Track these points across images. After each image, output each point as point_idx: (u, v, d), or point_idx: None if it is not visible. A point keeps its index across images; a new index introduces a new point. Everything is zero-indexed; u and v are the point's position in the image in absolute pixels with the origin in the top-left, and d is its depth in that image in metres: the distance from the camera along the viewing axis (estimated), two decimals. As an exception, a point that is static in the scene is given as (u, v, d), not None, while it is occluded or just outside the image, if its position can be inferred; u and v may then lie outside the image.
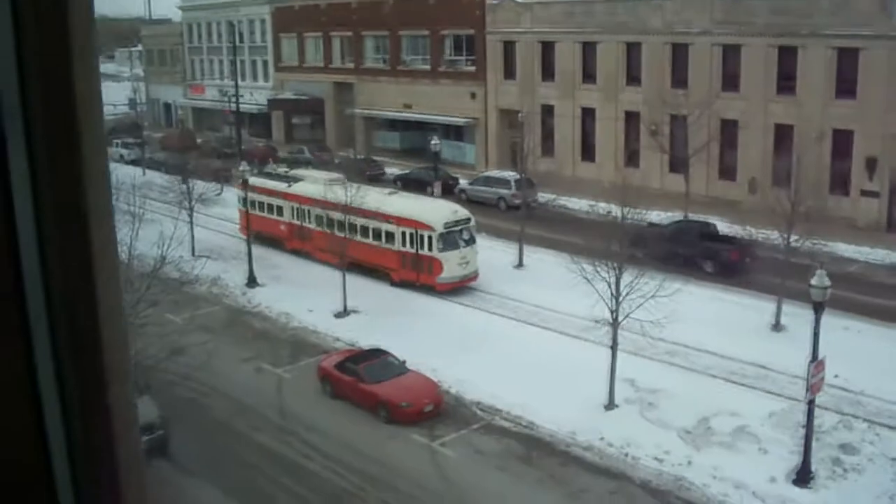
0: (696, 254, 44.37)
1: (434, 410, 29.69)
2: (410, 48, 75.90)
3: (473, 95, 70.60)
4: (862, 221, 52.37)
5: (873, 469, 25.89)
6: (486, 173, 63.24)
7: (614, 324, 29.90)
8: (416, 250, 42.06)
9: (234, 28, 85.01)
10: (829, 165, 52.02)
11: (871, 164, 52.04)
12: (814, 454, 25.25)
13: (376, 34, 77.92)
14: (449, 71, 72.43)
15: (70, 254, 1.74)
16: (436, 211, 43.61)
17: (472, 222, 43.33)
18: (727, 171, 58.53)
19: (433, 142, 53.74)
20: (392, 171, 67.62)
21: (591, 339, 33.20)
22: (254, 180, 49.18)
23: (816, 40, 52.73)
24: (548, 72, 66.80)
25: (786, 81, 55.08)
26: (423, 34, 73.58)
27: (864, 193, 52.66)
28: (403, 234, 42.50)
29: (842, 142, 53.12)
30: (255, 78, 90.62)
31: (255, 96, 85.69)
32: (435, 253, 41.46)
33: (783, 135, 54.92)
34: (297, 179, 49.78)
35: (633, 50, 61.96)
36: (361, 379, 30.39)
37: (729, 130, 57.85)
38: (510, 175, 58.93)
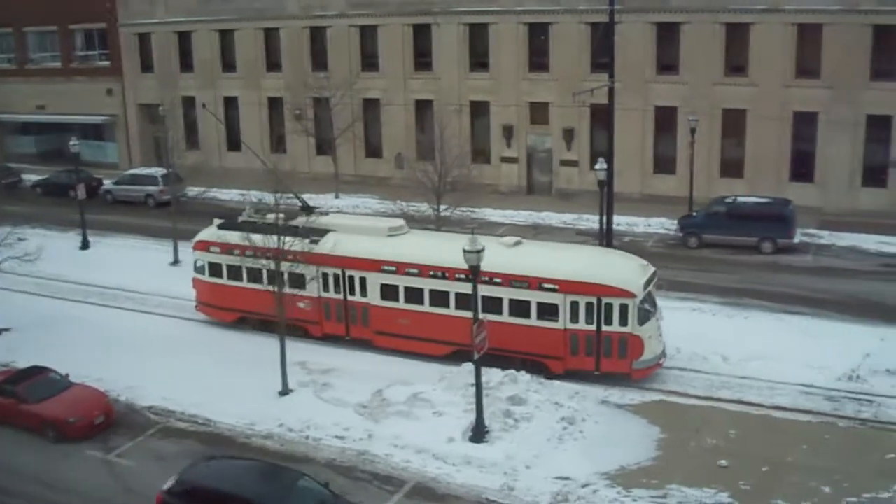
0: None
1: (106, 421, 28.49)
2: (38, 45, 72.04)
3: (110, 91, 68.33)
4: (505, 186, 55.39)
5: (540, 415, 27.50)
6: (131, 171, 61.52)
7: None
8: (598, 327, 29.90)
9: None
10: (469, 136, 54.43)
11: (508, 132, 55.02)
12: (486, 410, 26.41)
13: (-1, 32, 73.33)
14: (83, 67, 69.52)
15: None
16: (623, 267, 30.71)
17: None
18: (374, 149, 59.98)
19: (72, 143, 51.12)
20: (30, 177, 64.15)
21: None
22: (219, 234, 36.01)
23: (449, 17, 55.02)
24: (186, 62, 65.66)
25: (423, 58, 57.15)
26: (52, 30, 70.07)
27: (505, 160, 55.60)
28: (574, 304, 29.79)
29: (480, 113, 55.83)
30: None
31: None
32: (632, 328, 29.33)
33: (424, 110, 56.99)
34: (321, 231, 33.87)
35: (271, 36, 62.04)
36: (22, 399, 28.60)
37: (372, 109, 59.27)
38: (156, 171, 57.54)
